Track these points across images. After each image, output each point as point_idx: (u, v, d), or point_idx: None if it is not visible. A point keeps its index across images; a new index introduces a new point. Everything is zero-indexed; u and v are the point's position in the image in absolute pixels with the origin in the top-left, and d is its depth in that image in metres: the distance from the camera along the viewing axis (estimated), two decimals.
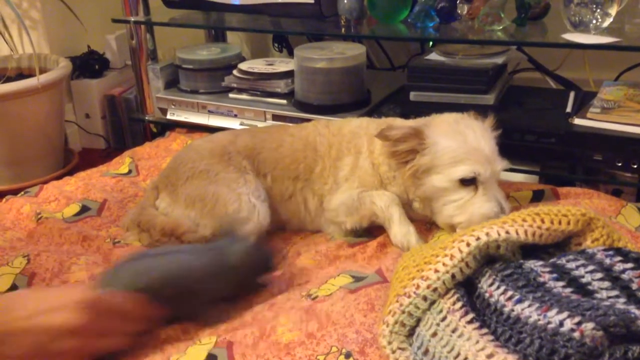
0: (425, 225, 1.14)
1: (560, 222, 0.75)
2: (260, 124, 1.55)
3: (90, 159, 1.98)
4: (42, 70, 1.78)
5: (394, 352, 0.73)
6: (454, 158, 1.03)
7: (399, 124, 1.12)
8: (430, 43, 1.65)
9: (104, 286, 0.85)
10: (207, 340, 0.84)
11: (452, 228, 1.08)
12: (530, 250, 0.77)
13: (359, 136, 1.17)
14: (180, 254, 0.92)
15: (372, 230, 1.14)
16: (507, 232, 0.73)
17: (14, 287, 1.00)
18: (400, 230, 1.07)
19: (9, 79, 1.78)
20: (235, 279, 0.92)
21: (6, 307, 0.75)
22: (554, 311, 0.61)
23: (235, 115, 1.61)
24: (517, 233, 0.73)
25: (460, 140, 1.04)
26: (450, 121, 1.09)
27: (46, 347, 0.74)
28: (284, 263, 1.08)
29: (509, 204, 1.07)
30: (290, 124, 1.37)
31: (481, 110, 1.35)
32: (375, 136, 1.09)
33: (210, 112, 1.65)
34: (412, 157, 1.06)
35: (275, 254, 1.00)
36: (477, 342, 0.65)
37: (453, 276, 0.73)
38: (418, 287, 0.74)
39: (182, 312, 0.90)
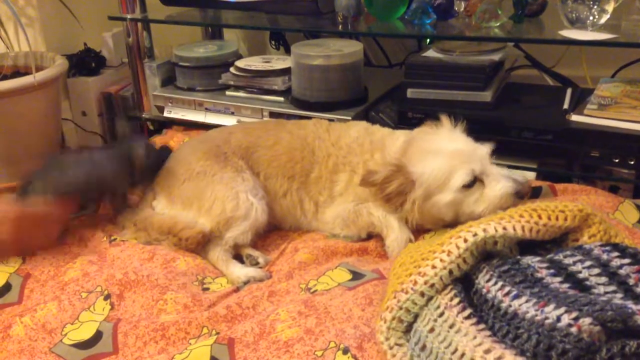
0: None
1: (557, 218, 0.75)
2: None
3: None
4: (39, 68, 1.77)
5: (391, 347, 0.73)
6: (445, 173, 1.04)
7: (379, 165, 1.11)
8: (428, 40, 1.65)
9: (27, 191, 1.09)
10: (206, 335, 0.84)
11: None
12: (527, 246, 0.77)
13: (355, 153, 1.17)
14: (89, 153, 1.17)
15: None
16: (505, 228, 0.73)
17: (7, 285, 1.00)
18: (401, 236, 1.07)
19: (5, 77, 1.77)
20: (140, 172, 1.17)
21: None
22: (551, 306, 0.61)
23: (233, 113, 1.61)
24: (514, 229, 0.73)
25: (441, 155, 1.05)
26: (420, 142, 1.10)
27: None
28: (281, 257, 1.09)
29: (517, 174, 1.07)
30: (288, 120, 1.36)
31: (478, 108, 1.36)
32: (359, 185, 1.09)
33: (207, 109, 1.65)
34: (405, 197, 1.06)
35: (169, 148, 1.26)
36: (475, 337, 0.65)
37: (450, 272, 0.73)
38: (415, 283, 0.74)
39: (94, 202, 1.20)
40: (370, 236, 1.13)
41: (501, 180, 1.04)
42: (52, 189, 1.08)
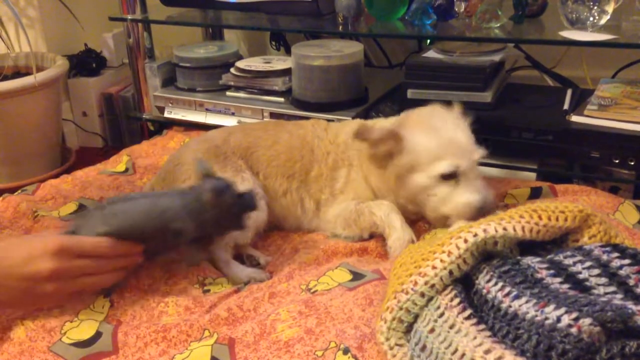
0: (424, 227, 1.15)
1: (557, 219, 0.75)
2: None
3: (87, 157, 1.98)
4: (39, 69, 1.77)
5: (391, 348, 0.73)
6: (432, 155, 1.04)
7: (378, 126, 1.12)
8: (428, 41, 1.65)
9: (76, 232, 0.91)
10: (207, 338, 0.84)
11: (441, 221, 1.09)
12: (527, 246, 0.77)
13: (351, 147, 1.17)
14: (149, 198, 0.97)
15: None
16: (505, 229, 0.73)
17: None
18: (404, 236, 1.07)
19: (6, 78, 1.78)
20: (212, 217, 0.95)
21: None
22: (552, 307, 0.61)
23: (233, 114, 1.61)
24: (514, 229, 0.73)
25: (437, 136, 1.05)
26: (423, 117, 1.10)
27: (30, 291, 0.85)
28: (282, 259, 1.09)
29: (491, 191, 1.07)
30: (287, 121, 1.37)
31: (478, 108, 1.36)
32: (352, 136, 1.10)
33: (207, 110, 1.65)
34: (391, 160, 1.07)
35: (254, 194, 1.03)
36: (475, 338, 0.65)
37: (451, 272, 0.73)
38: (416, 283, 0.74)
39: (159, 251, 0.98)
40: (371, 236, 1.13)
41: (472, 190, 1.04)
42: (105, 227, 0.90)
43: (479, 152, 1.06)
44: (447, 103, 1.14)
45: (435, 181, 1.05)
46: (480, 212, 1.03)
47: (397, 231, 1.07)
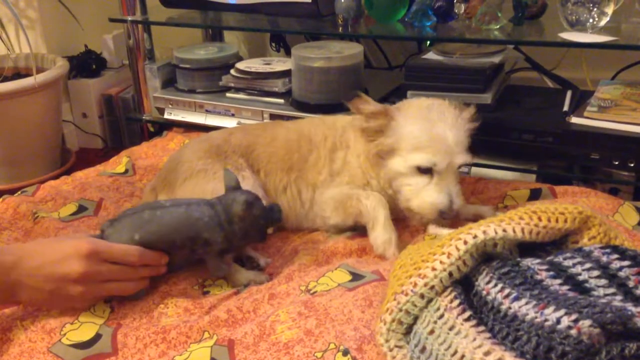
0: (410, 232, 1.14)
1: (557, 220, 0.75)
2: None
3: (87, 158, 1.98)
4: (39, 70, 1.77)
5: (391, 349, 0.73)
6: (414, 144, 1.05)
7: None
8: (428, 42, 1.65)
9: (106, 237, 0.93)
10: (207, 339, 0.84)
11: (415, 217, 1.10)
12: (527, 248, 0.77)
13: (349, 131, 1.18)
14: (181, 207, 0.96)
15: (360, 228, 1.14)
16: (504, 230, 0.73)
17: None
18: (383, 235, 1.06)
19: (5, 79, 1.78)
20: (240, 229, 0.96)
21: (21, 257, 0.86)
22: (551, 309, 0.61)
23: (233, 115, 1.61)
24: (514, 231, 0.73)
25: (425, 128, 1.05)
26: (423, 106, 1.09)
27: (57, 292, 0.86)
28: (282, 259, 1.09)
29: (461, 198, 1.07)
30: (286, 121, 1.37)
31: (478, 110, 1.36)
32: (348, 104, 1.10)
33: (207, 111, 1.65)
34: (379, 137, 1.08)
35: (279, 207, 1.03)
36: (475, 339, 0.65)
37: (450, 274, 0.73)
38: (415, 285, 0.74)
39: (185, 261, 0.99)
40: (354, 228, 1.13)
41: (442, 192, 1.04)
42: (135, 235, 0.92)
43: (462, 157, 1.05)
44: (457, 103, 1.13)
45: (411, 171, 1.06)
46: (442, 216, 1.04)
47: (379, 227, 1.07)
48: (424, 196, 1.05)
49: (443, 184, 1.05)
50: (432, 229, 1.09)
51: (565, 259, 0.70)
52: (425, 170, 1.05)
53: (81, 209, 1.28)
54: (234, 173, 1.05)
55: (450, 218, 1.06)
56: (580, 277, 0.68)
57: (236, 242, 0.98)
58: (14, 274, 0.85)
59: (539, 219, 0.75)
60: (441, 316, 0.70)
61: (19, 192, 1.35)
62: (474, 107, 1.13)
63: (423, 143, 1.04)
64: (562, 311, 0.60)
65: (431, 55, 1.47)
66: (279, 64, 1.65)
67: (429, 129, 1.04)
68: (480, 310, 0.70)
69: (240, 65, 1.65)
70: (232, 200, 0.97)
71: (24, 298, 0.88)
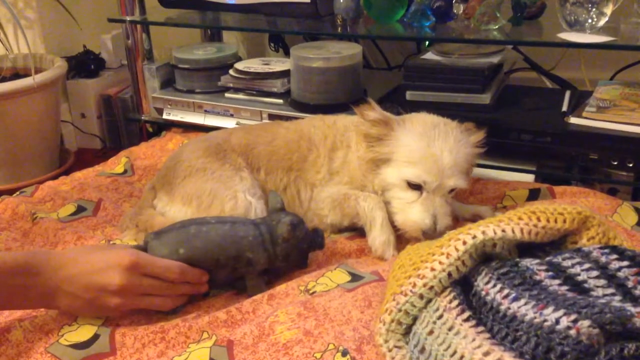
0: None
1: (556, 221, 0.75)
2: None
3: (86, 158, 1.97)
4: (38, 70, 1.77)
5: (390, 350, 0.73)
6: (408, 158, 1.05)
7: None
8: (427, 42, 1.65)
9: (150, 249, 0.92)
10: (206, 340, 0.84)
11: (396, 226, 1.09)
12: (526, 248, 0.77)
13: (350, 131, 1.18)
14: (226, 224, 0.96)
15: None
16: (503, 231, 0.73)
17: None
18: (381, 236, 1.07)
19: (4, 79, 1.77)
20: (283, 250, 0.96)
21: (59, 265, 0.85)
22: (550, 309, 0.61)
23: (232, 115, 1.61)
24: (513, 231, 0.73)
25: (423, 144, 1.04)
26: (428, 123, 1.08)
27: (94, 302, 0.85)
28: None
29: (448, 220, 1.05)
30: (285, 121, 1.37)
31: (477, 110, 1.37)
32: (354, 108, 1.11)
33: (206, 111, 1.65)
34: (378, 144, 1.09)
35: (322, 232, 1.03)
36: (474, 339, 0.65)
37: (449, 274, 0.73)
38: (414, 285, 0.74)
39: (225, 280, 0.97)
40: (354, 228, 1.13)
41: (425, 212, 1.03)
42: (180, 249, 0.91)
43: (455, 180, 1.04)
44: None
45: (402, 184, 1.06)
46: (424, 236, 1.03)
47: (376, 229, 1.07)
48: (409, 213, 1.05)
49: (429, 204, 1.04)
50: None
51: (564, 259, 0.70)
52: (415, 186, 1.05)
53: (80, 209, 1.28)
54: (279, 195, 1.05)
55: (433, 238, 1.05)
56: (579, 278, 0.68)
57: (278, 263, 0.98)
58: (55, 279, 0.84)
59: (538, 219, 0.75)
60: (440, 316, 0.70)
61: (18, 193, 1.35)
62: (483, 133, 1.11)
63: (416, 159, 1.04)
64: (561, 311, 0.60)
65: (430, 56, 1.47)
66: (278, 64, 1.65)
67: (426, 146, 1.04)
68: (479, 311, 0.70)
69: (239, 65, 1.65)
70: (277, 221, 0.97)
71: (62, 304, 0.86)
